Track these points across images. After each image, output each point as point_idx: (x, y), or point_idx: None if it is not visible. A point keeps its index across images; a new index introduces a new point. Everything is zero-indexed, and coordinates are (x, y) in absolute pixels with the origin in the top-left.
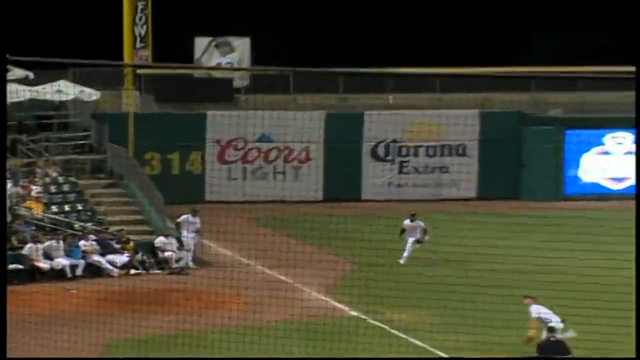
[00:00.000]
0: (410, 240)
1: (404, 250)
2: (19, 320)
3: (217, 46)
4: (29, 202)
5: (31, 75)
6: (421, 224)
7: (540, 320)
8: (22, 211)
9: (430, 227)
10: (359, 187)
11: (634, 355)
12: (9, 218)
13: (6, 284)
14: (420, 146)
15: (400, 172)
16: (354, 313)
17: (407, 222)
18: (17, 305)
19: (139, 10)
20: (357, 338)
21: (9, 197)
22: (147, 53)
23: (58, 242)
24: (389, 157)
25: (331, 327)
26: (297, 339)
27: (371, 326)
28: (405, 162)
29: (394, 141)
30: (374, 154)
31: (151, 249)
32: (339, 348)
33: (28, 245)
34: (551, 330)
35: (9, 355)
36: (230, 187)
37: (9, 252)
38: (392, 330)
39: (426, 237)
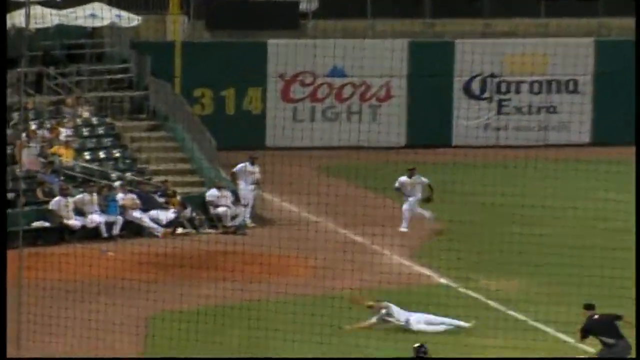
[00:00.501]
0: (410, 200)
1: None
2: (47, 288)
3: None
4: (56, 147)
5: None
6: (424, 180)
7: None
8: (49, 158)
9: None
10: (449, 130)
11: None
12: (38, 166)
13: (6, 283)
14: (522, 81)
15: (498, 112)
16: (443, 280)
17: (403, 178)
18: (44, 270)
19: None
20: (446, 310)
21: (34, 141)
22: None
23: (91, 196)
24: (486, 95)
25: (416, 296)
26: None
27: (463, 296)
28: (504, 100)
29: (492, 75)
30: (467, 91)
31: (202, 204)
32: None
33: (56, 199)
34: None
35: (30, 328)
36: (295, 130)
37: (34, 207)
38: (488, 301)
39: (424, 211)
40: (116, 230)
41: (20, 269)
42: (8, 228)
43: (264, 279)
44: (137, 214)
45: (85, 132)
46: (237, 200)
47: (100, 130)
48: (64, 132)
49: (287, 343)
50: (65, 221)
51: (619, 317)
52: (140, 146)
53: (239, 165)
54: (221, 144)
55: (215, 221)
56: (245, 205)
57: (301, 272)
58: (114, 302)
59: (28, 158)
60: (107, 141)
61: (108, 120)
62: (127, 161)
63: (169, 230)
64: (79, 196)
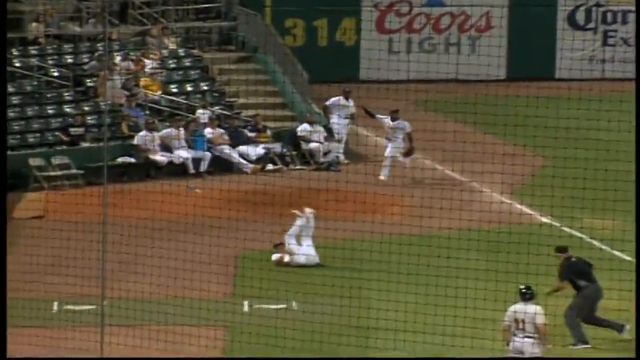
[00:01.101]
0: (390, 147)
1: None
2: (132, 225)
3: None
4: (141, 79)
5: None
6: (406, 125)
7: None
8: (133, 91)
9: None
10: (552, 62)
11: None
12: (122, 99)
13: (6, 283)
14: (629, 11)
15: (604, 43)
16: (545, 219)
17: (386, 120)
18: (129, 207)
19: None
20: (548, 250)
21: (117, 74)
22: None
23: (178, 130)
24: (591, 25)
25: (516, 236)
26: (473, 250)
27: (566, 235)
28: (610, 31)
29: (597, 5)
30: (571, 21)
31: (293, 139)
32: (527, 262)
33: (141, 134)
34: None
35: (115, 267)
36: (391, 62)
37: (118, 142)
38: (592, 241)
39: (406, 159)
40: (204, 166)
41: (104, 206)
42: (92, 163)
43: (358, 218)
44: (225, 149)
45: (171, 64)
46: (329, 135)
47: (187, 62)
48: (149, 64)
49: (381, 284)
50: (151, 157)
51: (590, 265)
52: (228, 79)
53: (332, 99)
54: (313, 77)
55: (306, 157)
56: (339, 141)
57: (396, 211)
58: (202, 241)
59: (112, 91)
60: (194, 73)
61: (195, 51)
62: (215, 94)
63: (259, 166)
64: (165, 131)
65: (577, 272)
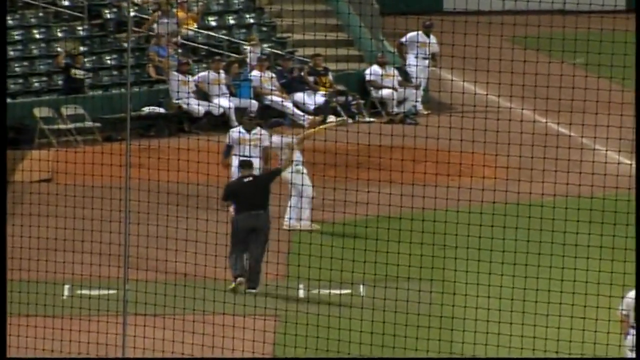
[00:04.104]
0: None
1: None
2: (161, 191)
3: None
4: (174, 11)
5: None
6: (272, 140)
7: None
8: (161, 26)
9: None
10: None
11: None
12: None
13: (6, 281)
14: None
15: None
16: None
17: (235, 133)
18: (158, 169)
19: None
20: None
21: (141, 2)
22: None
23: (218, 74)
24: None
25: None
26: (584, 222)
27: None
28: None
29: None
30: None
31: (360, 85)
32: None
33: (172, 77)
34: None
35: (141, 243)
36: None
37: (144, 88)
38: None
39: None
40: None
41: (126, 167)
42: (114, 114)
43: (439, 182)
44: (276, 97)
45: None
46: (405, 79)
47: None
48: None
49: (470, 264)
50: (184, 106)
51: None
52: (280, 9)
53: (409, 35)
54: (386, 8)
55: (377, 107)
56: (417, 87)
57: (488, 174)
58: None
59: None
60: (237, 3)
61: None
62: (264, 29)
63: (318, 118)
64: (201, 74)
65: (241, 196)
